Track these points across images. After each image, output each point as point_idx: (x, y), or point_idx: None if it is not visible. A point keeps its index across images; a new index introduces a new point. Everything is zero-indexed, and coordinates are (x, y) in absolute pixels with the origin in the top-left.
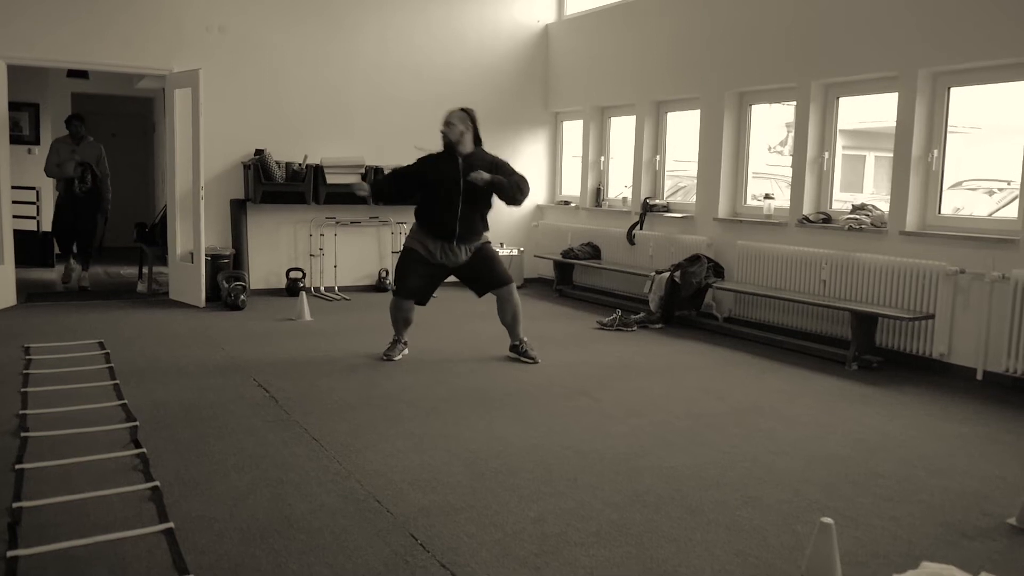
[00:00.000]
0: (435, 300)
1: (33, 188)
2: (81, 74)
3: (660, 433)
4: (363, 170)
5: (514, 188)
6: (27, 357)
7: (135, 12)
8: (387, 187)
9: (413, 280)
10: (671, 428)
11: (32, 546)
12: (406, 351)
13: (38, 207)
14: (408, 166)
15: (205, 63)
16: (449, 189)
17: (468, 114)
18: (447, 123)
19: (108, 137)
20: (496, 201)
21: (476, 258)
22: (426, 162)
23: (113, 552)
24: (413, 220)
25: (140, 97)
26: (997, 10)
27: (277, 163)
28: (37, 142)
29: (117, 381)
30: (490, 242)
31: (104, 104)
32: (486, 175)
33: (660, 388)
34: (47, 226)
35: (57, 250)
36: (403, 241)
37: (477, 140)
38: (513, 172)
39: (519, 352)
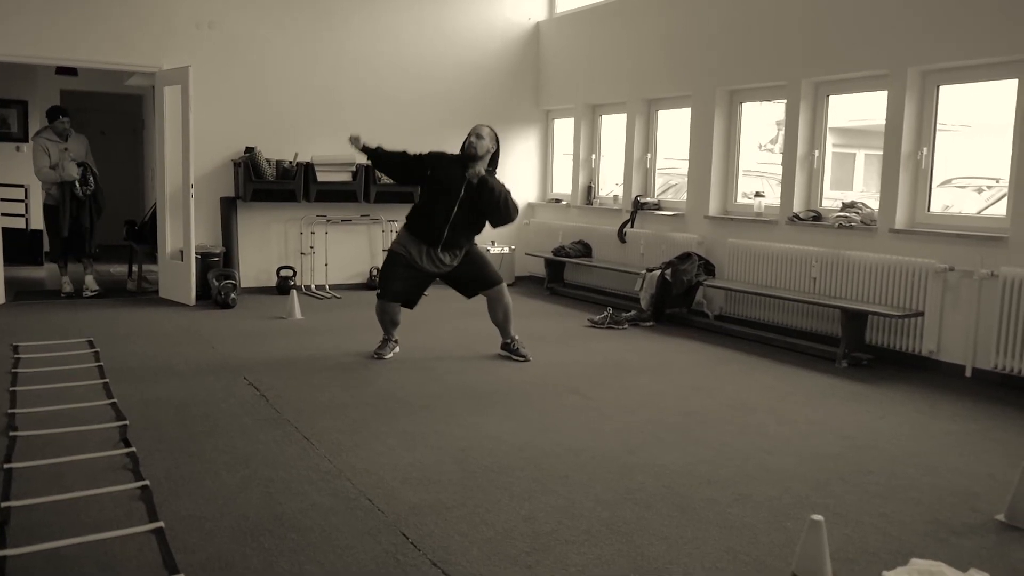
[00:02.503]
0: (425, 298)
1: (22, 186)
2: (70, 71)
3: (651, 431)
4: (354, 168)
5: (506, 202)
6: (15, 356)
7: (125, 8)
8: (387, 158)
9: (397, 283)
10: (662, 426)
11: (21, 546)
12: (397, 349)
13: (26, 205)
14: (418, 153)
15: (195, 60)
16: (449, 192)
17: (496, 136)
18: (477, 135)
19: (97, 134)
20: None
21: (465, 262)
22: (438, 158)
23: (103, 551)
24: (404, 219)
25: (130, 94)
26: (986, 9)
27: (268, 161)
28: (26, 139)
29: (107, 380)
30: (477, 245)
31: (93, 101)
32: (482, 171)
33: (651, 386)
34: (36, 224)
35: (46, 248)
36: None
37: (493, 164)
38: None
39: (510, 350)
